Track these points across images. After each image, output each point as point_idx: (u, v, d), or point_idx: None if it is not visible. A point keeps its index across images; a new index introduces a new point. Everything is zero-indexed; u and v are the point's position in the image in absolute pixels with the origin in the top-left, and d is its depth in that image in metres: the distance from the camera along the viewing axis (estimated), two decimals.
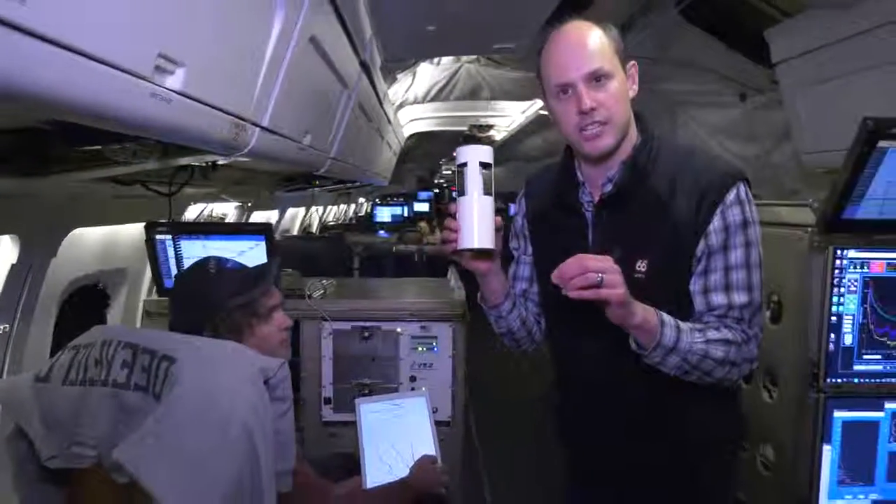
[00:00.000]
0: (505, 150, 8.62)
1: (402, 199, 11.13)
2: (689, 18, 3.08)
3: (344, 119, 2.57)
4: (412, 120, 5.86)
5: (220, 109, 1.21)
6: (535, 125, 5.90)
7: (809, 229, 1.73)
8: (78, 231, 2.13)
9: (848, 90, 2.33)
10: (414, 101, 4.92)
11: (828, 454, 1.71)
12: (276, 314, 1.61)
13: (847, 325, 1.72)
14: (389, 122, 4.49)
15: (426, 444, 1.85)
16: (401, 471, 1.78)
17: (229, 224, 3.52)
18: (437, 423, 1.94)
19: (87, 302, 2.49)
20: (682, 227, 1.32)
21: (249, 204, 4.07)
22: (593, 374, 1.48)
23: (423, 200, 11.86)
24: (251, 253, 2.27)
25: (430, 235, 6.42)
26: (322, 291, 2.59)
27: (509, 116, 6.05)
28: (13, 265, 1.83)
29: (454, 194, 1.38)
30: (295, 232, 6.51)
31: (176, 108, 1.02)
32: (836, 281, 1.70)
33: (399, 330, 2.50)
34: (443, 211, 10.61)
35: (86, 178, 1.54)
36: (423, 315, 2.50)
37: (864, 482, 1.73)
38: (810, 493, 1.71)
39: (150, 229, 2.29)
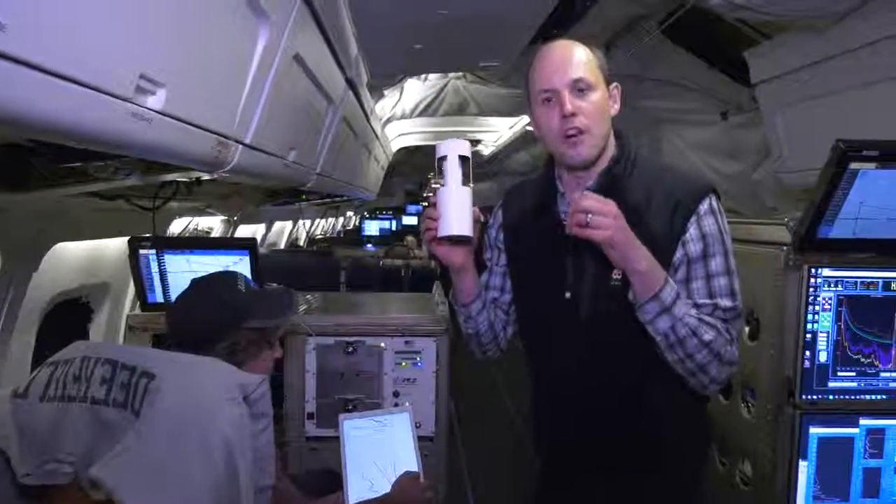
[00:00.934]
0: (492, 166, 8.67)
1: (390, 213, 11.13)
2: (672, 38, 3.14)
3: (329, 135, 2.59)
4: (400, 135, 5.88)
5: (202, 128, 1.22)
6: (522, 141, 5.95)
7: (785, 248, 1.76)
8: (61, 245, 2.12)
9: (825, 111, 2.37)
10: (402, 117, 4.94)
11: (804, 470, 1.73)
12: (277, 341, 1.62)
13: (822, 343, 1.75)
14: (377, 137, 4.52)
15: (409, 461, 1.84)
16: (383, 487, 1.78)
17: (213, 239, 3.51)
18: (421, 439, 1.94)
19: (69, 316, 2.47)
20: (658, 235, 1.36)
21: (235, 218, 4.06)
22: (568, 378, 1.51)
23: (412, 214, 11.84)
24: (235, 268, 2.26)
25: (417, 249, 6.42)
26: (306, 306, 2.59)
27: (496, 132, 6.10)
28: None
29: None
30: (282, 245, 6.50)
31: (157, 128, 1.03)
32: (810, 299, 1.73)
33: (383, 345, 2.50)
34: None
35: (68, 193, 1.54)
36: (407, 330, 2.50)
37: (840, 498, 1.75)
38: None
39: (134, 244, 2.28)
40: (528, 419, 1.72)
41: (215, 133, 1.31)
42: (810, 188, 2.56)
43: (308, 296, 2.67)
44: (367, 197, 5.75)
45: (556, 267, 1.47)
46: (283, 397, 2.48)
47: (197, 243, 2.45)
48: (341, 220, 11.67)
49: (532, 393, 1.67)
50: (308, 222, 7.96)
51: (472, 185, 1.42)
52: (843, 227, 1.65)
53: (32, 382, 1.34)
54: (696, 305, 1.36)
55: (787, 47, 2.44)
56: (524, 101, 1.51)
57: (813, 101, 2.44)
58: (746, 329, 1.98)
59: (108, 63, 0.86)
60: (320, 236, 9.07)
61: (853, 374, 1.76)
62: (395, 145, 6.29)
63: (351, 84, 2.61)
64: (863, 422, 1.74)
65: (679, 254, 1.37)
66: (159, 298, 2.34)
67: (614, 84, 1.44)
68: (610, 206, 1.26)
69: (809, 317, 1.73)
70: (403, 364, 2.51)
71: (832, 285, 1.74)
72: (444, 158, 1.40)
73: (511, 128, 5.78)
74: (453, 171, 1.39)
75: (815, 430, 1.73)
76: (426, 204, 1.47)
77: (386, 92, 4.21)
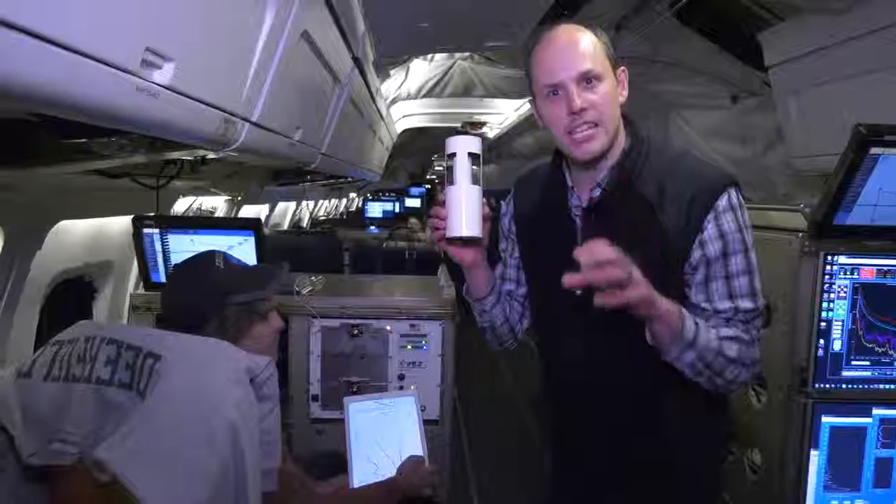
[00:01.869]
0: (497, 148, 8.62)
1: (393, 195, 11.06)
2: (683, 20, 3.08)
3: (336, 114, 2.55)
4: (404, 116, 5.83)
5: (209, 104, 1.19)
6: (528, 124, 5.89)
7: (800, 234, 1.73)
8: (65, 223, 2.10)
9: (840, 95, 2.33)
10: (407, 97, 4.89)
11: (815, 459, 1.72)
12: (272, 314, 1.60)
13: (836, 331, 1.73)
14: (382, 117, 4.47)
15: (414, 445, 1.84)
16: (388, 470, 1.77)
17: (218, 218, 3.48)
18: (425, 423, 1.93)
19: (73, 294, 2.45)
20: (673, 233, 1.30)
21: (239, 198, 4.03)
22: (579, 376, 1.47)
23: (415, 196, 11.75)
24: (240, 248, 2.24)
25: (420, 232, 6.39)
26: (311, 288, 2.57)
27: (502, 114, 6.04)
28: None
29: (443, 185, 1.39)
30: (285, 226, 6.47)
31: (163, 103, 1.00)
32: (825, 286, 1.71)
33: (388, 328, 2.48)
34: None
35: (72, 170, 1.51)
36: (412, 313, 2.49)
37: (851, 488, 1.74)
38: (797, 497, 1.71)
39: (138, 222, 2.26)
40: (538, 414, 1.69)
41: (222, 110, 1.28)
42: (824, 173, 2.55)
43: (313, 277, 2.65)
44: (371, 178, 5.71)
45: (566, 264, 1.42)
46: (288, 379, 2.47)
47: (201, 223, 2.42)
48: (344, 201, 11.62)
49: (542, 389, 1.64)
50: (311, 203, 7.92)
51: (482, 183, 1.36)
52: (860, 214, 1.62)
53: (36, 362, 1.32)
54: (716, 311, 1.31)
55: (801, 30, 2.40)
56: (527, 86, 1.43)
57: (827, 84, 2.40)
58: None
59: (114, 34, 0.83)
60: (323, 217, 9.04)
61: (867, 363, 1.74)
62: (400, 126, 6.23)
63: (358, 63, 2.57)
64: (876, 411, 1.73)
65: (697, 254, 1.30)
66: (162, 278, 2.32)
67: (622, 68, 1.36)
68: (620, 259, 1.14)
69: (824, 304, 1.71)
70: (409, 347, 2.49)
71: (848, 273, 1.71)
72: (453, 155, 1.35)
73: (516, 110, 5.72)
74: (463, 168, 1.34)
75: (827, 420, 1.72)
76: (429, 187, 1.42)
77: (392, 72, 4.16)
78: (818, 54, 2.37)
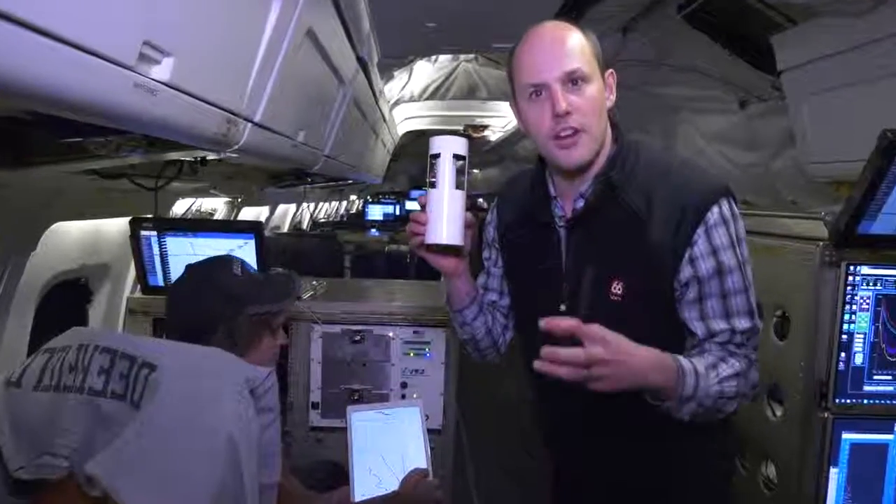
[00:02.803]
0: (499, 151, 8.59)
1: (394, 198, 11.03)
2: (692, 23, 3.03)
3: (339, 116, 2.50)
4: (407, 118, 5.79)
5: (211, 103, 1.14)
6: None
7: (821, 243, 1.68)
8: (61, 225, 2.05)
9: (856, 100, 2.28)
10: (410, 99, 4.86)
11: (834, 477, 1.66)
12: (280, 328, 1.55)
13: (858, 345, 1.67)
14: (384, 119, 4.42)
15: (418, 457, 1.78)
16: (391, 483, 1.72)
17: (218, 221, 3.43)
18: (428, 432, 1.88)
19: (69, 297, 2.41)
20: (661, 248, 1.22)
21: (239, 200, 3.98)
22: (565, 399, 1.39)
23: (416, 199, 11.71)
24: (240, 252, 2.19)
25: None
26: (312, 292, 2.51)
27: (505, 117, 6.00)
28: None
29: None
30: (285, 228, 6.42)
31: (162, 101, 0.95)
32: (847, 298, 1.65)
33: (391, 334, 2.43)
34: None
35: (68, 170, 1.46)
36: (416, 320, 2.43)
37: None
38: None
39: (135, 225, 2.21)
40: (534, 432, 1.63)
41: (224, 109, 1.23)
42: (839, 180, 2.50)
43: (314, 281, 2.60)
44: (373, 180, 5.66)
45: (550, 277, 1.35)
46: (288, 386, 2.42)
47: (201, 225, 2.37)
48: (345, 203, 11.58)
49: (534, 407, 1.58)
50: (311, 206, 7.88)
51: (465, 188, 1.28)
52: (885, 223, 1.57)
53: (26, 370, 1.27)
54: (711, 334, 1.23)
55: (816, 33, 2.34)
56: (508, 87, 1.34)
57: (842, 89, 2.34)
58: (773, 324, 1.90)
59: (110, 25, 0.78)
60: (323, 220, 9.00)
61: (890, 377, 1.69)
62: (402, 129, 6.19)
63: (362, 63, 2.53)
64: None
65: (688, 272, 1.22)
66: (160, 282, 2.27)
67: (610, 71, 1.28)
68: (593, 349, 1.05)
69: (846, 317, 1.65)
70: (412, 354, 2.44)
71: (871, 284, 1.66)
72: (437, 156, 1.26)
73: None
74: (446, 171, 1.25)
75: (847, 436, 1.66)
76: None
77: (395, 73, 4.12)
78: (834, 58, 2.31)
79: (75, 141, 1.18)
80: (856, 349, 1.67)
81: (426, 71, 4.46)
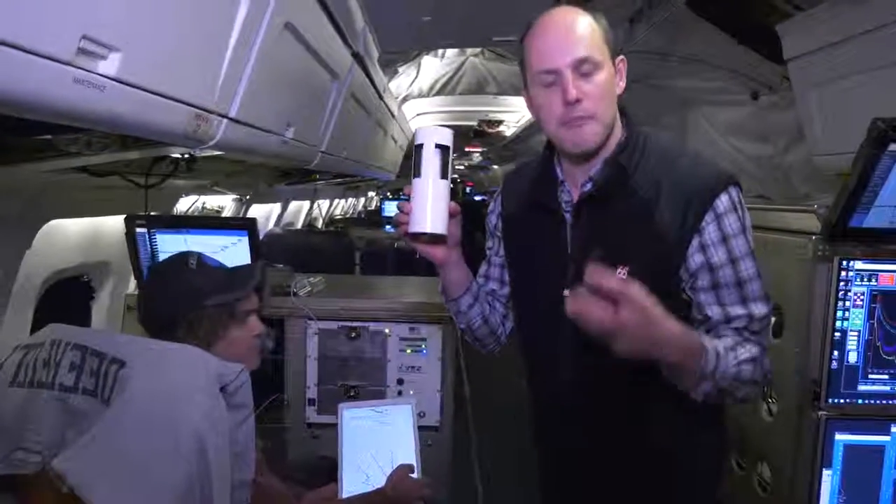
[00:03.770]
0: (513, 147, 8.52)
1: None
2: (698, 12, 2.96)
3: (335, 112, 2.48)
4: (418, 114, 5.77)
5: (172, 98, 1.12)
6: None
7: (814, 237, 1.62)
8: (59, 222, 2.07)
9: (864, 89, 2.20)
10: (419, 95, 4.83)
11: (828, 479, 1.61)
12: (251, 318, 1.54)
13: (852, 342, 1.62)
14: (393, 115, 4.40)
15: (408, 456, 1.77)
16: (379, 481, 1.72)
17: (211, 218, 3.46)
18: (425, 428, 1.87)
19: (71, 295, 2.44)
20: (668, 234, 1.22)
21: (248, 197, 4.01)
22: (563, 387, 1.39)
23: None
24: (234, 248, 2.20)
25: None
26: (308, 289, 2.51)
27: (518, 111, 5.94)
28: None
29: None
30: (299, 225, 6.45)
31: (112, 97, 0.94)
32: (840, 294, 1.60)
33: (387, 331, 2.42)
34: None
35: (48, 168, 1.47)
36: (411, 316, 2.42)
37: None
38: None
39: (130, 222, 2.23)
40: (528, 424, 1.61)
41: (191, 105, 1.21)
42: (846, 172, 2.42)
43: (311, 278, 2.60)
44: (385, 177, 5.65)
45: (554, 262, 1.34)
46: (284, 382, 2.43)
47: (194, 222, 2.38)
48: (362, 200, 11.61)
49: (529, 397, 1.56)
50: (325, 203, 7.90)
51: (450, 178, 1.30)
52: (879, 216, 1.51)
53: (2, 366, 1.29)
54: (728, 319, 1.23)
55: (822, 20, 2.27)
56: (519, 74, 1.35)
57: (851, 78, 2.26)
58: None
59: (41, 21, 0.76)
60: (339, 216, 9.02)
61: (886, 377, 1.63)
62: (414, 125, 6.17)
63: (359, 59, 2.50)
64: (895, 429, 1.61)
65: (698, 259, 1.23)
66: None
67: (620, 57, 1.28)
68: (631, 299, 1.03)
69: (839, 313, 1.60)
70: (408, 351, 2.43)
71: (865, 279, 1.60)
72: (420, 147, 1.28)
73: None
74: (429, 161, 1.27)
75: (841, 437, 1.61)
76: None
77: (401, 69, 4.10)
78: (840, 46, 2.24)
79: (42, 139, 1.19)
80: (849, 347, 1.62)
81: (434, 66, 4.42)
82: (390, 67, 3.79)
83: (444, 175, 1.28)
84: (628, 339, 1.04)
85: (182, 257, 1.49)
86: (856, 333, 1.62)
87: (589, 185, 1.31)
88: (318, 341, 2.42)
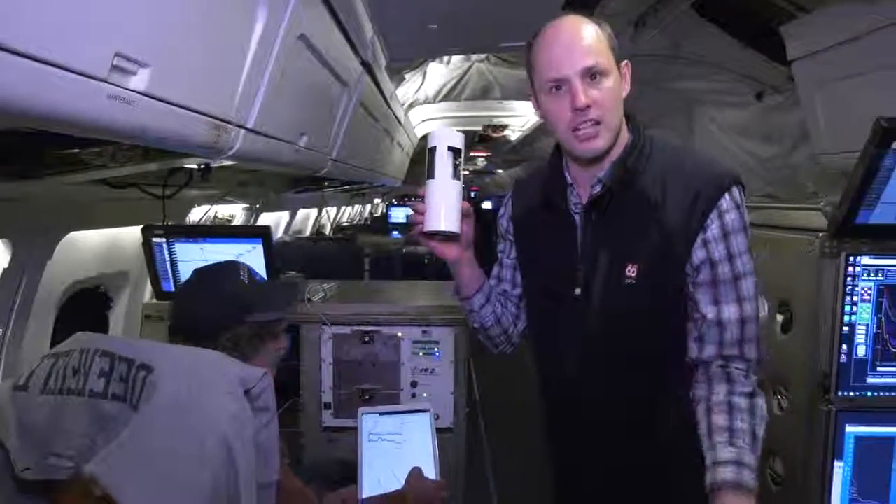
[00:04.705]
0: (519, 151, 8.55)
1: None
2: (703, 14, 2.99)
3: (345, 120, 2.53)
4: (424, 120, 5.80)
5: (195, 110, 1.17)
6: (548, 125, 5.81)
7: (821, 234, 1.65)
8: (79, 234, 2.11)
9: (868, 89, 2.23)
10: (425, 101, 4.86)
11: (839, 471, 1.63)
12: (282, 333, 1.58)
13: (860, 336, 1.64)
14: (399, 122, 4.45)
15: (427, 462, 1.79)
16: (396, 484, 1.74)
17: (227, 227, 3.50)
18: (439, 430, 1.89)
19: (89, 305, 2.48)
20: (674, 232, 1.26)
21: (258, 206, 4.05)
22: (573, 384, 1.42)
23: None
24: (248, 256, 2.23)
25: None
26: (323, 295, 2.55)
27: (523, 116, 5.97)
28: (5, 269, 1.81)
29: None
30: (307, 233, 6.49)
31: (140, 110, 0.98)
32: (848, 289, 1.62)
33: (400, 334, 2.46)
34: None
35: (71, 181, 1.51)
36: (424, 319, 2.45)
37: (879, 501, 1.65)
38: None
39: (147, 232, 2.27)
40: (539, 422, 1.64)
41: (211, 116, 1.26)
42: (851, 171, 2.44)
43: (324, 284, 2.64)
44: (391, 183, 5.70)
45: (565, 262, 1.38)
46: (300, 387, 2.46)
47: (210, 231, 2.43)
48: (368, 207, 11.65)
49: (539, 394, 1.59)
50: (333, 210, 7.95)
51: (461, 178, 1.35)
52: (884, 212, 1.53)
53: (33, 375, 1.31)
54: (720, 322, 1.26)
55: (826, 21, 2.30)
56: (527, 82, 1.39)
57: (855, 78, 2.29)
58: (779, 319, 1.87)
59: (78, 40, 0.81)
60: (346, 223, 9.06)
61: (894, 369, 1.65)
62: (420, 131, 6.21)
63: (367, 67, 2.55)
64: None
65: (701, 254, 1.27)
66: (172, 287, 2.33)
67: (625, 62, 1.32)
68: None
69: (847, 308, 1.62)
70: (421, 354, 2.46)
71: (872, 274, 1.62)
72: (433, 149, 1.33)
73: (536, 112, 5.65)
74: (442, 163, 1.32)
75: (851, 429, 1.63)
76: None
77: (407, 76, 4.14)
78: (844, 46, 2.26)
79: (70, 152, 1.23)
80: (858, 341, 1.64)
81: (439, 72, 4.46)
82: (397, 75, 3.83)
83: (456, 176, 1.32)
84: None
85: (233, 267, 1.51)
86: (864, 327, 1.64)
87: (598, 187, 1.35)
88: (333, 346, 2.45)
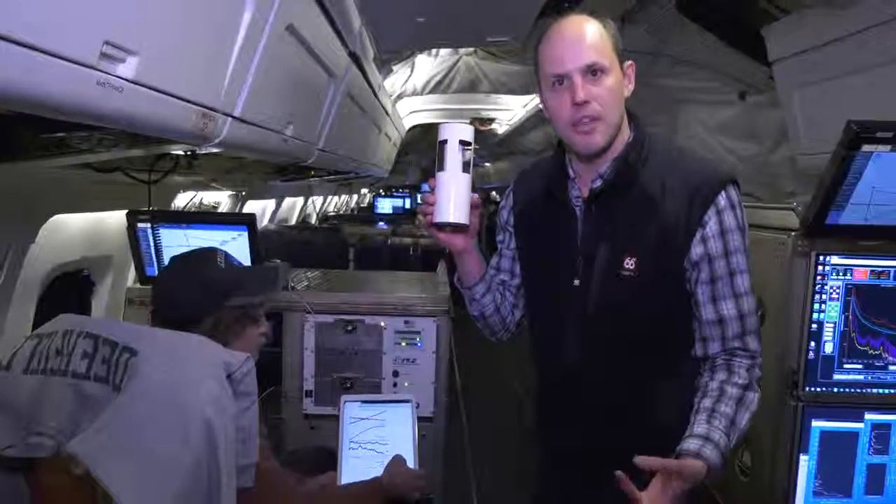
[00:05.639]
0: (507, 145, 8.57)
1: (406, 191, 11.06)
2: (687, 13, 3.02)
3: (332, 110, 2.54)
4: (412, 112, 5.82)
5: (182, 98, 1.18)
6: (537, 119, 5.84)
7: (793, 233, 1.70)
8: (63, 217, 2.11)
9: (845, 90, 2.27)
10: (413, 93, 4.87)
11: (804, 464, 1.68)
12: (262, 317, 1.59)
13: (828, 334, 1.69)
14: (387, 113, 4.45)
15: (406, 450, 1.82)
16: (376, 471, 1.77)
17: (212, 213, 3.50)
18: (420, 419, 1.92)
19: (71, 289, 2.47)
20: (672, 226, 1.31)
21: (243, 193, 4.04)
22: (572, 368, 1.46)
23: (427, 192, 11.71)
24: (233, 243, 2.25)
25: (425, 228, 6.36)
26: (306, 283, 2.57)
27: (510, 110, 6.00)
28: None
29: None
30: (293, 222, 6.48)
31: (128, 97, 0.99)
32: (818, 287, 1.67)
33: (383, 324, 2.48)
34: None
35: (56, 165, 1.51)
36: (407, 310, 2.48)
37: (843, 494, 1.70)
38: (786, 502, 1.68)
39: (132, 217, 2.27)
40: (533, 409, 1.67)
41: (198, 104, 1.27)
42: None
43: (308, 273, 2.65)
44: (378, 174, 5.70)
45: (565, 254, 1.43)
46: (282, 374, 2.48)
47: (195, 218, 2.43)
48: (355, 197, 11.64)
49: (536, 382, 1.63)
50: (319, 199, 7.93)
51: (471, 171, 1.38)
52: (854, 213, 1.58)
53: (16, 355, 1.33)
54: (721, 320, 1.31)
55: (806, 23, 2.34)
56: (534, 79, 1.43)
57: (832, 80, 2.34)
58: None
59: (67, 28, 0.82)
60: (333, 213, 9.05)
61: (860, 366, 1.70)
62: (408, 122, 6.22)
63: (355, 58, 2.56)
64: (868, 416, 1.69)
65: (699, 251, 1.31)
66: (156, 272, 2.33)
67: (629, 63, 1.36)
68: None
69: (816, 306, 1.67)
70: (403, 344, 2.49)
71: (841, 274, 1.68)
72: (444, 142, 1.36)
73: (525, 106, 5.68)
74: (453, 156, 1.35)
75: (817, 424, 1.68)
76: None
77: (395, 67, 4.14)
78: (823, 49, 2.31)
79: (58, 136, 1.24)
80: (826, 338, 1.69)
81: (428, 65, 4.46)
82: (385, 66, 3.83)
83: (466, 169, 1.36)
84: None
85: (210, 253, 1.53)
86: (832, 325, 1.70)
87: (599, 182, 1.39)
88: (315, 334, 2.47)
